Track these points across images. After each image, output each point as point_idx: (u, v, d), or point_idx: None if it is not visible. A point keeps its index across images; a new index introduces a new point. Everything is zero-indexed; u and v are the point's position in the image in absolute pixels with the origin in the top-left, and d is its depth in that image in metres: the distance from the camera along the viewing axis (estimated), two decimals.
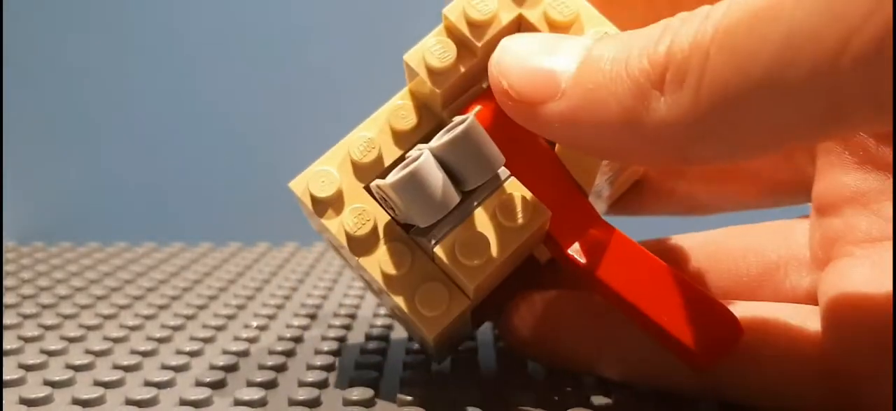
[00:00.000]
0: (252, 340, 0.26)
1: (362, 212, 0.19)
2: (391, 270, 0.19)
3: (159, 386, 0.22)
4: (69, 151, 0.57)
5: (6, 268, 0.37)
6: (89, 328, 0.27)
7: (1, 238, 0.42)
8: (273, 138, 0.54)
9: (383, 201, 0.19)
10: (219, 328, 0.28)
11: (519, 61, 0.17)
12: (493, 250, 0.18)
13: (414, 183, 0.17)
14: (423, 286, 0.19)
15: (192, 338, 0.26)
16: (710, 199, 0.25)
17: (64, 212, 0.57)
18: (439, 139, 0.18)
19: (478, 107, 0.19)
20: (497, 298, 0.22)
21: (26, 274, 0.36)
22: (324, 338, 0.26)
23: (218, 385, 0.22)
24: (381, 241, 0.19)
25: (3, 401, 0.20)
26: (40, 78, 0.56)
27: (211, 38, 0.55)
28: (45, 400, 0.20)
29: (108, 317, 0.29)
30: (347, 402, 0.20)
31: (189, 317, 0.29)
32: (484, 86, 0.20)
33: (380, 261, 0.19)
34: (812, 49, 0.13)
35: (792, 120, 0.14)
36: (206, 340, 0.26)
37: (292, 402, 0.20)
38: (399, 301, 0.19)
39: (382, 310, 0.30)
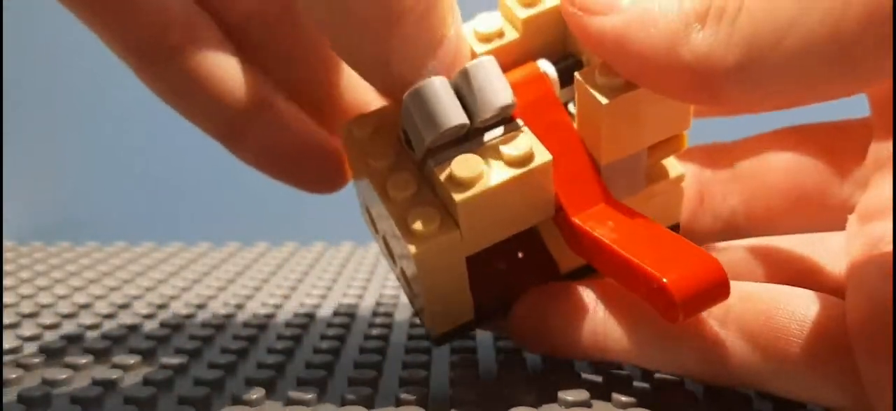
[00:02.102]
0: (251, 339, 0.26)
1: (387, 146, 0.21)
2: (395, 193, 0.20)
3: (158, 385, 0.22)
4: (69, 151, 0.57)
5: (6, 267, 0.37)
6: (88, 327, 0.27)
7: (1, 238, 0.42)
8: None
9: (404, 133, 0.20)
10: (218, 327, 0.28)
11: None
12: (487, 173, 0.19)
13: (425, 92, 0.19)
14: (419, 208, 0.20)
15: (192, 337, 0.26)
16: (747, 219, 0.24)
17: (63, 212, 0.57)
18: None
19: (536, 66, 0.21)
20: (503, 293, 0.22)
21: (25, 273, 0.36)
22: (323, 337, 0.26)
23: (217, 384, 0.22)
24: (395, 171, 0.20)
25: (3, 401, 0.20)
26: (40, 78, 0.56)
27: None
28: (45, 400, 0.20)
29: (106, 317, 0.29)
30: (347, 402, 0.20)
31: (188, 317, 0.29)
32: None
33: (388, 185, 0.20)
34: None
35: (811, 66, 0.15)
36: (205, 339, 0.26)
37: (292, 401, 0.20)
38: (393, 216, 0.20)
39: (382, 310, 0.30)
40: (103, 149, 0.57)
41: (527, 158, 0.19)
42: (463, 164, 0.19)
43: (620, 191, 0.22)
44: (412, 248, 0.19)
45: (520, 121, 0.20)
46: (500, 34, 0.21)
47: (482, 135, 0.20)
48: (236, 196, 0.56)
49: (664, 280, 0.17)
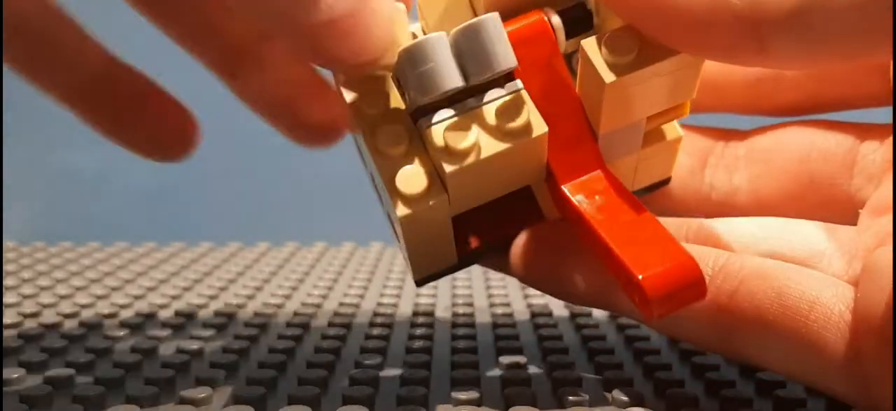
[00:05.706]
0: (252, 339, 0.26)
1: (379, 93, 0.20)
2: (385, 148, 0.19)
3: (160, 384, 0.22)
4: (69, 151, 0.57)
5: (6, 267, 0.37)
6: (90, 327, 0.28)
7: (1, 238, 0.42)
8: (273, 138, 0.54)
9: (399, 83, 0.19)
10: (219, 327, 0.28)
11: None
12: (480, 144, 0.19)
13: (420, 52, 0.18)
14: (408, 168, 0.19)
15: (193, 337, 0.26)
16: (749, 197, 0.24)
17: (64, 212, 0.58)
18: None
19: (536, 18, 0.20)
20: (487, 235, 0.22)
21: (27, 273, 0.36)
22: (324, 337, 0.26)
23: (218, 383, 0.22)
24: (388, 122, 0.20)
25: (4, 401, 0.20)
26: None
27: None
28: (46, 400, 0.20)
29: (108, 316, 0.29)
30: (348, 401, 0.20)
31: (189, 317, 0.29)
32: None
33: (378, 139, 0.20)
34: None
35: (867, 12, 0.15)
36: (207, 339, 0.26)
37: (293, 400, 0.20)
38: (382, 175, 0.19)
39: (383, 310, 0.30)
40: (104, 150, 0.57)
41: (523, 130, 0.19)
42: (456, 133, 0.19)
43: (615, 153, 0.21)
44: (399, 211, 0.19)
45: (519, 83, 0.19)
46: None
47: (479, 93, 0.19)
48: (237, 196, 0.56)
49: (639, 276, 0.17)
